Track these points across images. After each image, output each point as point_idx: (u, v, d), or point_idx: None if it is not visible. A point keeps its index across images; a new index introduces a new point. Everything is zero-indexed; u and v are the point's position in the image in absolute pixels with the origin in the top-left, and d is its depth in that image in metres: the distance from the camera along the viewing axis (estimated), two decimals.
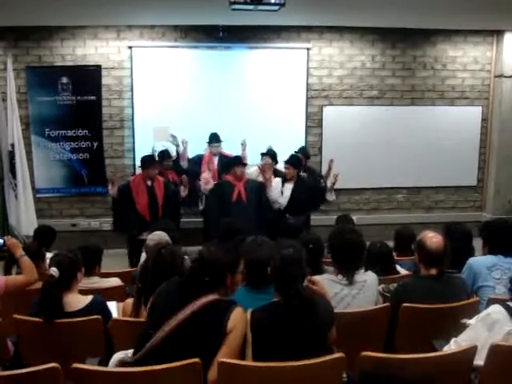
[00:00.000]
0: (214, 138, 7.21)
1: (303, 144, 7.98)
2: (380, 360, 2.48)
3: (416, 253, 3.46)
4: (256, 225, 6.07)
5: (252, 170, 6.97)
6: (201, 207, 6.77)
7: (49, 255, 3.96)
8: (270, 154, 6.89)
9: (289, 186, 6.52)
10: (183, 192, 6.52)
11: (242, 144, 7.29)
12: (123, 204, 6.33)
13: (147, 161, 6.41)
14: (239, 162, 6.52)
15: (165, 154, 7.01)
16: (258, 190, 6.47)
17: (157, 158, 6.75)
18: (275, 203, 6.49)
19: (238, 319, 2.50)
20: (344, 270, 3.28)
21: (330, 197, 6.74)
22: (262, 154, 6.90)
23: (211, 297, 2.48)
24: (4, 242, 3.80)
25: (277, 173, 6.84)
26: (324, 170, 7.24)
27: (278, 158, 7.00)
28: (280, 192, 6.50)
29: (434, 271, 3.32)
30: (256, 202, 6.39)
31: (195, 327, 2.42)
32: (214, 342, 2.43)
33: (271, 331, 2.53)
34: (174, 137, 7.22)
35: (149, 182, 6.35)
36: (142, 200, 6.28)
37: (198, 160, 7.24)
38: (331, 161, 6.82)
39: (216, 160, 7.16)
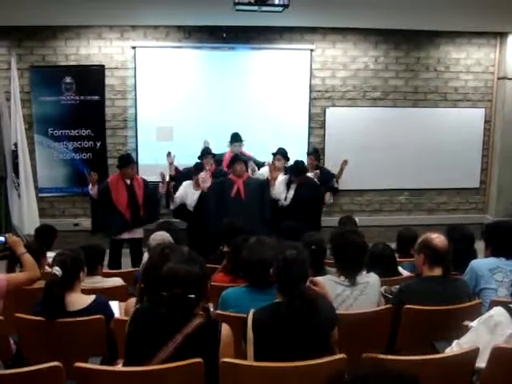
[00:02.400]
0: (235, 138, 7.28)
1: (306, 145, 8.05)
2: (382, 361, 2.48)
3: (419, 253, 3.44)
4: (254, 221, 6.18)
5: (263, 171, 7.10)
6: (171, 207, 6.82)
7: (51, 254, 3.97)
8: (282, 153, 6.98)
9: (293, 187, 6.64)
10: (161, 189, 6.61)
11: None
12: (103, 204, 6.39)
13: (123, 160, 6.45)
14: (238, 158, 6.62)
15: (205, 151, 7.00)
16: (260, 187, 6.57)
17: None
18: (277, 200, 6.62)
19: (227, 336, 2.47)
20: (346, 271, 3.29)
21: (329, 200, 7.30)
22: (274, 154, 6.99)
23: (198, 320, 2.40)
24: (5, 239, 3.79)
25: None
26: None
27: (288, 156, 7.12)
28: (284, 190, 6.62)
29: (438, 271, 3.32)
30: (256, 199, 6.49)
31: (190, 353, 2.36)
32: (210, 363, 2.39)
33: (273, 331, 2.53)
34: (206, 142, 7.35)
35: (128, 181, 6.39)
36: (122, 199, 6.32)
37: (219, 159, 7.31)
38: (345, 161, 7.20)
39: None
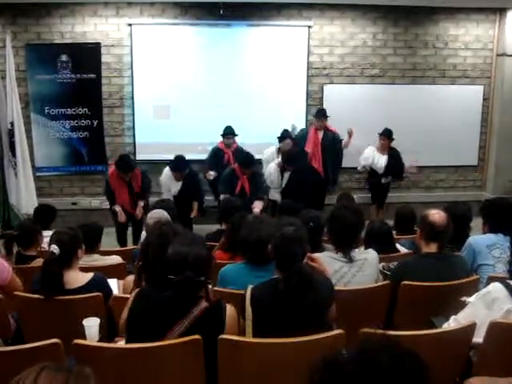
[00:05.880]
0: (321, 112, 7.39)
1: (304, 122, 8.03)
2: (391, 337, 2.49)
3: (418, 228, 3.47)
4: None
5: (269, 151, 7.23)
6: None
7: (48, 233, 3.97)
8: (290, 137, 7.10)
9: (286, 176, 6.83)
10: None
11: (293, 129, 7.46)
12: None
13: (121, 164, 6.27)
14: (252, 164, 6.61)
15: (227, 130, 7.14)
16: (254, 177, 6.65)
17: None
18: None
19: (232, 318, 2.51)
20: (341, 247, 3.31)
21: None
22: (280, 138, 7.05)
23: (203, 303, 2.42)
24: None
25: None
26: None
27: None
28: (278, 177, 6.82)
29: (434, 247, 3.33)
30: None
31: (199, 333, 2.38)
32: (216, 343, 2.41)
33: (271, 308, 2.54)
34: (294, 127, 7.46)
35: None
36: (123, 194, 6.33)
37: (304, 134, 7.46)
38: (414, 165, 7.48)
39: (321, 134, 7.39)
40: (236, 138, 7.26)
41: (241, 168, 6.50)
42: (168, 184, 6.75)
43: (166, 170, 6.78)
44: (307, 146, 7.32)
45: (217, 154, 7.19)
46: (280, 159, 6.79)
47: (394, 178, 7.59)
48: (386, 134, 7.38)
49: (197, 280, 2.35)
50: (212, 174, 6.94)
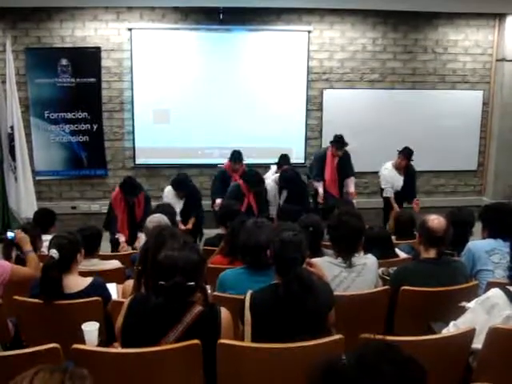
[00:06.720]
0: (342, 142, 7.01)
1: (304, 127, 8.08)
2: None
3: (418, 234, 3.48)
4: None
5: (270, 174, 7.16)
6: None
7: (48, 237, 3.97)
8: (287, 163, 7.03)
9: (284, 193, 6.69)
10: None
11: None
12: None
13: (128, 190, 6.09)
14: (258, 185, 6.45)
15: (234, 156, 6.87)
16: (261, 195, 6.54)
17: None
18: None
19: (227, 321, 2.48)
20: (342, 253, 3.30)
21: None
22: (279, 164, 7.01)
23: (197, 307, 2.39)
24: (14, 235, 3.85)
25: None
26: None
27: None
28: (273, 196, 6.69)
29: (433, 253, 3.33)
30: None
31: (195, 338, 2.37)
32: (211, 349, 2.40)
33: (270, 313, 2.54)
34: None
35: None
36: (123, 222, 6.11)
37: (321, 157, 7.22)
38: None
39: (336, 159, 7.14)
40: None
41: (247, 186, 6.39)
42: (171, 202, 6.44)
43: (169, 188, 6.59)
44: (326, 174, 7.13)
45: (224, 176, 6.92)
46: (278, 176, 6.71)
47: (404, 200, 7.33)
48: (405, 155, 6.99)
49: (187, 285, 2.33)
50: (220, 203, 6.54)
